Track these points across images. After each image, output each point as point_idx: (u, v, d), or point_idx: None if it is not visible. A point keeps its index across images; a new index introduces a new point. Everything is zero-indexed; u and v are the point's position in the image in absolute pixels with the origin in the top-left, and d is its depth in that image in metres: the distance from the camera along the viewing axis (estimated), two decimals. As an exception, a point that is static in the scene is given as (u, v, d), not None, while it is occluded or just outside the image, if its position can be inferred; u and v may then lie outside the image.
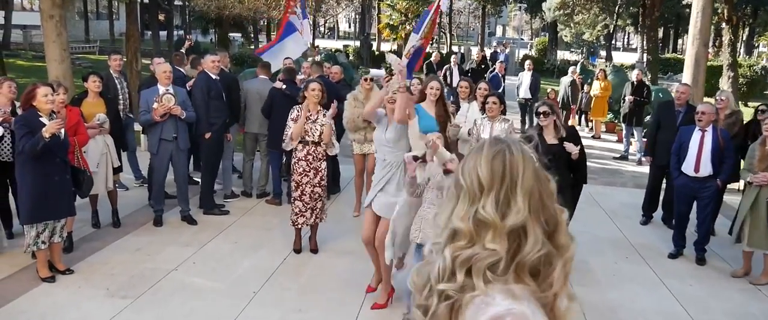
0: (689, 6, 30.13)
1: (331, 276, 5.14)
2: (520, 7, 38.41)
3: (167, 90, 5.97)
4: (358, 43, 31.37)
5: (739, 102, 15.48)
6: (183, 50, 9.44)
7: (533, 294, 1.20)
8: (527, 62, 12.90)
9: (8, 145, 5.22)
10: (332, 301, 4.66)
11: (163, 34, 30.48)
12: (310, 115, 5.36)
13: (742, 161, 6.28)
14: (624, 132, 10.81)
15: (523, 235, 1.22)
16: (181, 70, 8.00)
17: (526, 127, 11.79)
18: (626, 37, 61.08)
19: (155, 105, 5.82)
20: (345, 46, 31.90)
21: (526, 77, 12.35)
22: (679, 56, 34.19)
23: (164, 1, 26.04)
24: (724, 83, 18.84)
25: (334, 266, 5.34)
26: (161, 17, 31.06)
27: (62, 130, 4.63)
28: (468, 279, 1.20)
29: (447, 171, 3.96)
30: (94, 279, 4.88)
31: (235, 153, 7.66)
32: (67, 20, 9.94)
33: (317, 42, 39.89)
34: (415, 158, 4.13)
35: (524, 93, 12.05)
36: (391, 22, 27.22)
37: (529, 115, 12.09)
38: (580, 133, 13.29)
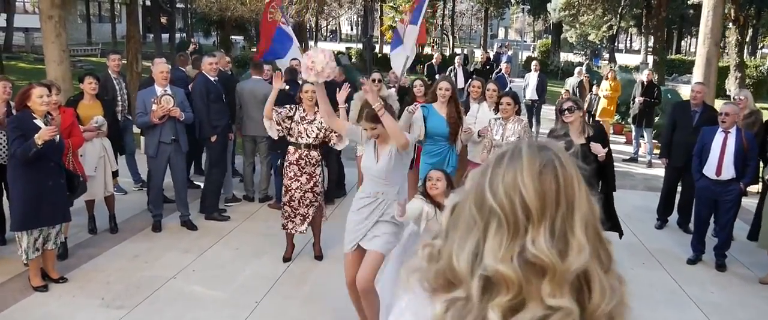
0: (693, 7, 30.01)
1: (337, 284, 4.90)
2: (522, 9, 38.22)
3: (165, 91, 5.77)
4: (360, 46, 31.20)
5: (748, 103, 15.29)
6: (188, 52, 9.23)
7: None
8: (534, 63, 12.68)
9: (3, 147, 5.02)
10: (338, 311, 4.44)
11: (165, 36, 30.37)
12: (306, 116, 5.08)
13: (761, 163, 6.08)
14: (633, 133, 10.58)
15: (584, 282, 0.92)
16: (183, 70, 7.81)
17: (532, 128, 11.58)
18: (629, 38, 60.85)
19: (154, 107, 5.61)
20: (347, 49, 31.74)
21: (532, 78, 12.13)
22: (683, 57, 33.98)
23: (166, 4, 25.92)
24: (731, 84, 18.63)
25: (340, 274, 5.05)
26: (163, 20, 30.96)
27: (57, 135, 4.42)
28: None
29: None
30: (89, 288, 4.67)
31: (237, 155, 7.47)
32: (69, 22, 9.81)
33: (319, 44, 39.78)
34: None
35: (531, 94, 11.83)
36: (394, 25, 27.01)
37: (535, 116, 11.88)
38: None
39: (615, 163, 10.00)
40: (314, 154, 5.10)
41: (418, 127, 5.44)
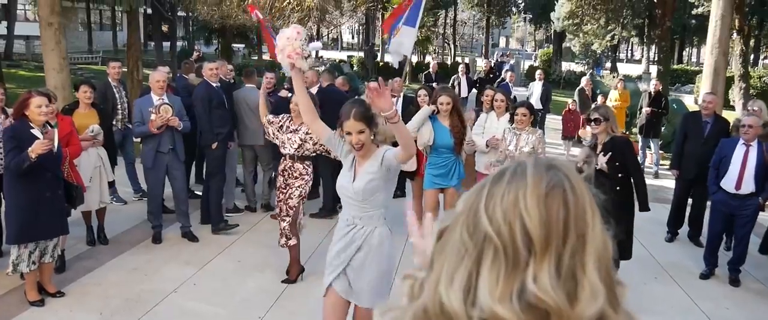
0: (696, 17, 29.99)
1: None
2: (524, 18, 38.24)
3: (163, 100, 5.64)
4: (361, 54, 31.15)
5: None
6: (193, 59, 9.13)
7: None
8: (538, 72, 12.58)
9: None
10: (344, 328, 4.29)
11: (166, 44, 30.32)
12: (291, 125, 4.89)
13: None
14: (640, 144, 10.45)
15: None
16: (187, 78, 7.70)
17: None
18: (630, 48, 60.90)
19: (152, 117, 5.48)
20: (349, 57, 31.70)
21: (537, 87, 12.02)
22: (686, 67, 33.93)
23: (167, 12, 25.87)
24: (736, 94, 18.53)
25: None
26: (164, 28, 30.91)
27: (56, 142, 4.29)
28: None
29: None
30: (87, 303, 4.52)
31: (238, 164, 7.34)
32: (69, 30, 9.76)
33: (321, 52, 39.75)
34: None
35: (535, 103, 11.69)
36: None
37: (539, 126, 11.76)
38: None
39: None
40: (298, 165, 4.85)
41: (429, 131, 5.30)
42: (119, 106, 6.89)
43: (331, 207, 6.69)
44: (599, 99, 11.98)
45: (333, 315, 3.21)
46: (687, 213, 6.73)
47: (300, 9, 17.99)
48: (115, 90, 6.92)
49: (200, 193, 7.26)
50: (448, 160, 5.33)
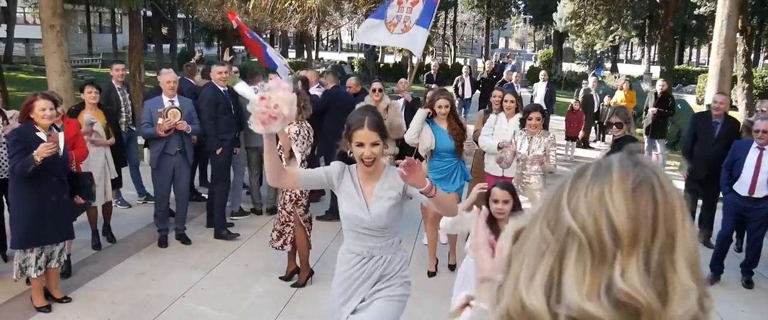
0: (696, 18, 29.96)
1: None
2: (524, 19, 38.21)
3: (172, 102, 5.58)
4: (361, 56, 31.10)
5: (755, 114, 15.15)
6: (194, 61, 9.07)
7: None
8: (542, 73, 12.53)
9: (3, 160, 4.83)
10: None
11: (166, 47, 30.26)
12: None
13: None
14: (646, 144, 10.40)
15: None
16: (192, 81, 7.63)
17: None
18: (629, 48, 60.92)
19: (160, 120, 5.42)
20: (350, 59, 31.66)
21: (540, 88, 11.97)
22: (687, 67, 33.92)
23: (167, 14, 25.83)
24: (739, 94, 18.48)
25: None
26: (164, 30, 30.87)
27: (62, 145, 4.22)
28: None
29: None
30: (94, 308, 4.45)
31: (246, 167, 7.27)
32: (69, 33, 9.65)
33: (321, 55, 39.72)
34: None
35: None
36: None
37: (543, 127, 11.70)
38: (597, 145, 12.86)
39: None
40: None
41: (429, 136, 5.16)
42: (123, 108, 6.82)
43: (337, 209, 6.62)
44: (605, 99, 11.93)
45: None
46: (697, 215, 6.67)
47: (301, 10, 17.90)
48: (118, 92, 6.85)
49: (205, 196, 7.20)
50: (450, 164, 5.23)
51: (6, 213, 5.00)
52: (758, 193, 5.17)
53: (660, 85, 9.99)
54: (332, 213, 6.70)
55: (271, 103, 2.27)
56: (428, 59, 26.63)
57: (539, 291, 0.73)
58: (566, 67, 33.20)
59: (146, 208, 6.80)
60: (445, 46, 39.25)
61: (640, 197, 0.74)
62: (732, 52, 9.94)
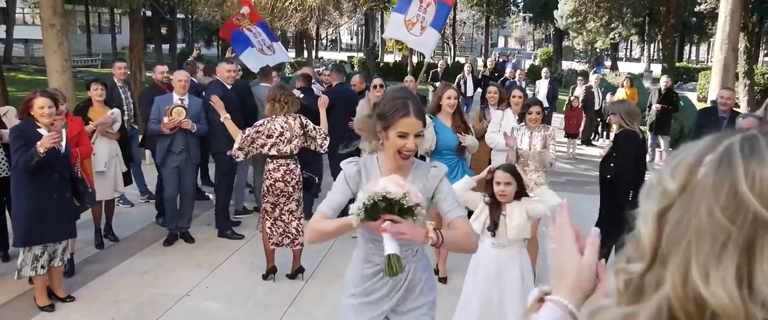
0: (696, 15, 29.92)
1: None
2: (524, 17, 38.18)
3: (182, 100, 5.54)
4: (361, 55, 31.06)
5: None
6: (192, 58, 9.04)
7: None
8: (544, 70, 12.50)
9: (3, 159, 4.79)
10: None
11: (165, 47, 30.20)
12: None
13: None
14: (649, 141, 10.36)
15: None
16: (194, 79, 7.59)
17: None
18: (629, 47, 60.90)
19: (165, 119, 5.38)
20: (350, 58, 31.61)
21: (542, 85, 11.93)
22: (687, 64, 33.90)
23: (167, 14, 25.77)
24: (740, 91, 18.46)
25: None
26: (164, 30, 30.81)
27: (63, 142, 4.18)
28: None
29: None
30: (98, 307, 4.40)
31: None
32: (69, 34, 9.60)
33: (320, 54, 39.66)
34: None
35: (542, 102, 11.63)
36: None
37: (548, 122, 11.67)
38: (599, 143, 12.81)
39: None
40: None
41: (431, 135, 4.96)
42: (125, 107, 6.78)
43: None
44: (607, 97, 11.90)
45: None
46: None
47: (301, 9, 17.88)
48: (120, 90, 6.81)
49: (209, 194, 7.16)
50: (451, 162, 4.99)
51: (7, 213, 4.96)
52: None
53: (664, 82, 9.95)
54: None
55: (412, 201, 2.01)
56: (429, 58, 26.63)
57: (730, 284, 0.65)
58: (566, 65, 33.18)
59: (149, 207, 6.75)
60: (445, 45, 39.21)
61: None
62: (735, 48, 9.91)
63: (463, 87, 12.67)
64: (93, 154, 5.39)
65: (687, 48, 47.52)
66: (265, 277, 4.96)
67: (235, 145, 4.68)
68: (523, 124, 5.21)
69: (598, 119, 12.62)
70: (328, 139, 4.92)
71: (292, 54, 37.57)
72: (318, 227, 2.25)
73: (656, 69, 26.58)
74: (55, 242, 4.29)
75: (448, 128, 5.04)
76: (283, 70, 7.15)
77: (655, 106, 9.62)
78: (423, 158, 5.05)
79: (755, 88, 19.84)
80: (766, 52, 36.14)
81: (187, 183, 5.77)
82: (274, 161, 4.74)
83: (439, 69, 14.18)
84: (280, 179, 4.72)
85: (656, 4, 21.97)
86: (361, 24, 42.89)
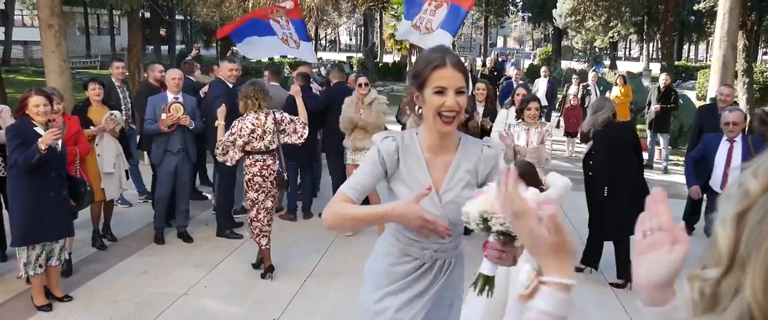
0: (694, 13, 29.92)
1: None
2: (523, 17, 38.18)
3: (176, 98, 5.53)
4: (360, 55, 31.05)
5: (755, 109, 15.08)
6: (190, 57, 9.03)
7: None
8: (543, 69, 12.51)
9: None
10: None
11: (164, 48, 30.19)
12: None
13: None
14: (648, 139, 10.34)
15: None
16: (192, 77, 7.57)
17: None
18: (628, 46, 60.91)
19: (163, 116, 5.37)
20: (349, 58, 31.58)
21: (542, 84, 11.93)
22: (686, 63, 33.90)
23: (166, 15, 25.77)
24: (739, 89, 18.44)
25: (361, 289, 4.83)
26: (163, 31, 30.80)
27: (59, 142, 4.16)
28: None
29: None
30: (96, 307, 4.39)
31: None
32: (68, 35, 9.60)
33: (319, 54, 39.64)
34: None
35: (541, 100, 11.61)
36: (396, 33, 26.92)
37: (548, 119, 11.67)
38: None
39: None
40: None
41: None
42: (123, 107, 6.76)
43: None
44: (607, 94, 11.89)
45: None
46: (703, 207, 6.62)
47: (301, 9, 17.86)
48: (118, 90, 6.80)
49: (206, 194, 7.15)
50: None
51: (5, 212, 4.94)
52: None
53: (663, 80, 9.93)
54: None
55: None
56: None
57: None
58: (565, 64, 33.17)
59: (147, 207, 6.73)
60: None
61: None
62: (734, 45, 9.89)
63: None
64: (98, 155, 5.38)
65: (686, 46, 47.54)
66: (263, 276, 4.97)
67: (219, 152, 4.79)
68: (520, 120, 5.22)
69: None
70: (306, 127, 5.00)
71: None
72: (341, 211, 1.88)
73: (655, 68, 26.58)
74: (53, 241, 4.27)
75: None
76: (282, 71, 7.08)
77: (654, 106, 9.60)
78: None
79: (754, 86, 19.84)
80: (765, 50, 36.13)
81: (185, 182, 5.75)
82: (251, 157, 4.84)
83: None
84: (258, 173, 4.83)
85: (655, 3, 21.98)
86: (360, 24, 42.90)
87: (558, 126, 12.71)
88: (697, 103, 14.41)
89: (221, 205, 6.09)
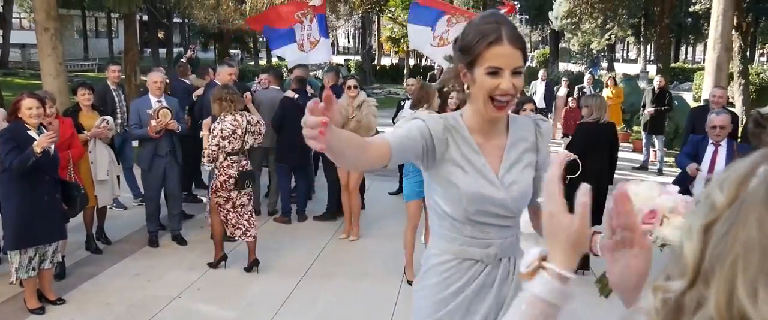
0: (691, 15, 29.97)
1: (350, 301, 4.66)
2: (520, 19, 38.17)
3: (161, 102, 5.56)
4: (358, 58, 31.08)
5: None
6: (184, 59, 9.04)
7: None
8: (541, 72, 12.56)
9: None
10: (354, 331, 4.18)
11: (162, 51, 30.22)
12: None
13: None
14: (643, 141, 10.37)
15: None
16: (186, 80, 7.59)
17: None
18: (626, 48, 61.01)
19: (153, 122, 5.39)
20: (346, 61, 31.61)
21: (539, 87, 11.97)
22: (683, 65, 33.97)
23: (164, 18, 25.79)
24: (735, 91, 18.50)
25: (353, 292, 4.86)
26: (160, 34, 30.82)
27: (53, 145, 4.18)
28: None
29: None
30: (88, 310, 4.40)
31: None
32: (65, 38, 9.63)
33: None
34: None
35: (538, 102, 11.63)
36: (393, 36, 26.95)
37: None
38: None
39: (625, 172, 9.87)
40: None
41: None
42: (118, 110, 6.78)
43: (334, 209, 6.57)
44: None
45: None
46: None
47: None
48: (114, 93, 6.81)
49: (202, 197, 7.16)
50: None
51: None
52: None
53: (657, 81, 9.97)
54: (329, 213, 6.64)
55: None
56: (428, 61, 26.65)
57: None
58: (563, 66, 33.22)
59: (142, 210, 6.71)
60: (442, 47, 39.23)
61: None
62: (728, 47, 9.92)
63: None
64: (91, 162, 5.38)
65: (683, 48, 47.63)
66: (213, 266, 5.12)
67: (206, 160, 4.93)
68: None
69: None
70: (263, 128, 5.27)
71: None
72: (364, 143, 1.53)
73: (653, 69, 26.61)
74: (45, 244, 4.28)
75: None
76: (282, 75, 7.09)
77: (649, 108, 9.64)
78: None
79: (750, 87, 19.89)
80: (761, 51, 36.22)
81: (174, 185, 5.79)
82: (228, 158, 4.92)
83: (436, 71, 14.23)
84: (234, 175, 4.92)
85: (651, 5, 22.04)
86: (358, 27, 42.95)
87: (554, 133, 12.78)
88: (694, 105, 14.45)
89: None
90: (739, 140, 6.25)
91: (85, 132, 5.37)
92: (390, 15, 27.81)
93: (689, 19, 32.73)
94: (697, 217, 0.67)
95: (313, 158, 7.18)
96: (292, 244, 5.85)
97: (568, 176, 4.65)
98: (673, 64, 30.33)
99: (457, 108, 5.37)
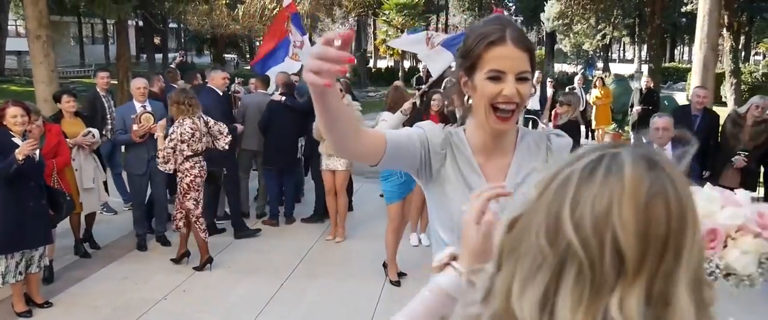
0: (685, 15, 30.10)
1: (333, 302, 4.74)
2: (515, 21, 38.28)
3: (144, 107, 5.65)
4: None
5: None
6: (174, 65, 9.13)
7: None
8: (537, 73, 12.61)
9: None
10: (335, 330, 4.26)
11: (158, 56, 30.29)
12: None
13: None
14: (632, 140, 10.46)
15: None
16: (175, 85, 7.67)
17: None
18: (622, 48, 61.17)
19: (135, 127, 5.48)
20: (342, 64, 31.66)
21: (536, 89, 12.04)
22: (677, 65, 34.09)
23: (159, 24, 25.88)
24: (727, 90, 18.60)
25: (336, 292, 4.93)
26: (157, 40, 30.89)
27: (37, 152, 4.25)
28: None
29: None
30: (75, 313, 4.47)
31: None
32: (62, 45, 9.73)
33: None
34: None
35: (533, 104, 11.71)
36: (388, 39, 27.08)
37: (535, 127, 11.77)
38: (586, 142, 12.94)
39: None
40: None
41: None
42: (108, 116, 6.85)
43: (322, 211, 6.64)
44: (588, 97, 12.03)
45: None
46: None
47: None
48: (104, 100, 6.89)
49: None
50: None
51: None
52: None
53: (644, 82, 10.07)
54: (317, 215, 6.71)
55: None
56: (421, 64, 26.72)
57: (533, 306, 0.67)
58: (558, 67, 33.32)
59: (130, 214, 6.81)
60: (438, 49, 39.37)
61: (653, 212, 0.65)
62: (715, 47, 10.01)
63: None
64: (76, 170, 5.44)
65: (678, 48, 47.77)
66: (199, 268, 5.25)
67: (160, 161, 5.07)
68: None
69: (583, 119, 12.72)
70: (229, 136, 5.40)
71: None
72: (359, 127, 1.41)
73: (647, 70, 26.71)
74: (32, 248, 4.36)
75: None
76: (269, 80, 7.13)
77: (637, 107, 9.73)
78: None
79: (742, 86, 19.99)
80: (756, 51, 36.36)
81: (159, 189, 5.88)
82: (190, 160, 5.11)
83: (422, 73, 14.29)
84: (198, 175, 5.16)
85: (644, 5, 22.15)
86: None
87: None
88: (686, 104, 14.54)
89: (234, 211, 6.32)
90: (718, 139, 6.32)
91: (68, 139, 5.44)
92: (384, 18, 27.94)
93: (683, 19, 32.86)
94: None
95: (302, 161, 7.26)
96: (279, 246, 5.92)
97: None
98: (666, 64, 30.49)
99: (440, 111, 5.56)
